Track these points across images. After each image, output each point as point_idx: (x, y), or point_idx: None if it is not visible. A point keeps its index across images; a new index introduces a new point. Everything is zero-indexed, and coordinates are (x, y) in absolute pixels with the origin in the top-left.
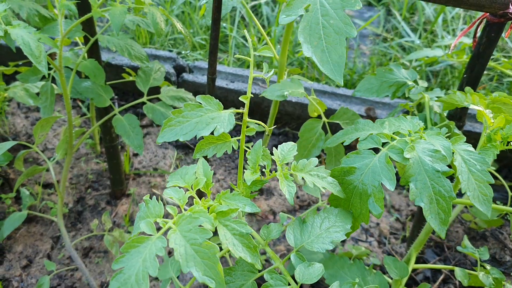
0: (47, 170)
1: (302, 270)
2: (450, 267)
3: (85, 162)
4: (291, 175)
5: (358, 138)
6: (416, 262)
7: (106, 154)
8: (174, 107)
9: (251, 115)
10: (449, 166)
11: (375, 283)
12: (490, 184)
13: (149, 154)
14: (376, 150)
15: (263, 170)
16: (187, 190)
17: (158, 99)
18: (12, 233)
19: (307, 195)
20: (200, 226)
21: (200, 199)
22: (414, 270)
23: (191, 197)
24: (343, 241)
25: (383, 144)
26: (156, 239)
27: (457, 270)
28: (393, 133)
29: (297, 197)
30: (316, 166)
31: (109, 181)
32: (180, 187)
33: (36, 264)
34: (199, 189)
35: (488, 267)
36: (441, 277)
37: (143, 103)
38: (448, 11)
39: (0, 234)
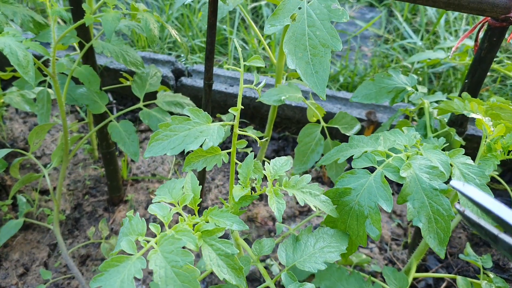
0: (44, 176)
1: None
2: (452, 275)
3: (82, 168)
4: (283, 192)
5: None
6: (418, 269)
7: (103, 160)
8: (171, 113)
9: (251, 119)
10: (448, 181)
11: None
12: (493, 188)
13: (147, 160)
14: (372, 169)
15: (254, 184)
16: (174, 206)
17: (156, 104)
18: (9, 240)
19: None
20: (183, 247)
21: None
22: (416, 277)
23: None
24: None
25: (378, 162)
26: (136, 260)
27: (459, 279)
28: (389, 149)
29: (297, 203)
30: (309, 183)
31: (107, 187)
32: (166, 203)
33: (32, 272)
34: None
35: (491, 275)
36: (444, 285)
37: (140, 109)
38: (450, 11)
39: None
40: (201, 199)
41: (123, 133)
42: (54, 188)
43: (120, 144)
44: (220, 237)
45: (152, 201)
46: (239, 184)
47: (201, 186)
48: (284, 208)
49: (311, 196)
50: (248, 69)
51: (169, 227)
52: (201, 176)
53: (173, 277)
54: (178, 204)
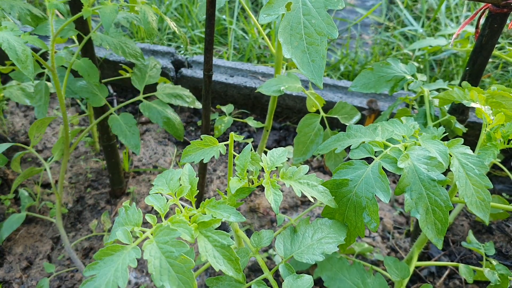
0: (45, 170)
1: (291, 282)
2: (454, 263)
3: (84, 160)
4: (280, 183)
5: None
6: (421, 258)
7: (104, 153)
8: (171, 105)
9: (252, 110)
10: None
11: (375, 286)
12: (495, 176)
13: (149, 151)
14: (369, 160)
15: (252, 176)
16: (172, 197)
17: (156, 97)
18: (12, 234)
19: None
20: (178, 238)
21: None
22: (418, 266)
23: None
24: None
25: (376, 153)
26: (131, 249)
27: (461, 267)
28: (387, 140)
29: None
30: (307, 173)
31: (109, 179)
32: (163, 194)
33: (36, 266)
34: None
35: (494, 262)
36: (447, 272)
37: (140, 101)
38: None
39: (0, 236)
40: (198, 191)
41: (123, 125)
42: (56, 182)
43: (121, 137)
44: (218, 229)
45: (150, 192)
46: (237, 176)
47: (198, 178)
48: (281, 199)
49: (308, 187)
50: (249, 59)
51: (166, 218)
52: (202, 167)
53: (168, 268)
54: (175, 195)
